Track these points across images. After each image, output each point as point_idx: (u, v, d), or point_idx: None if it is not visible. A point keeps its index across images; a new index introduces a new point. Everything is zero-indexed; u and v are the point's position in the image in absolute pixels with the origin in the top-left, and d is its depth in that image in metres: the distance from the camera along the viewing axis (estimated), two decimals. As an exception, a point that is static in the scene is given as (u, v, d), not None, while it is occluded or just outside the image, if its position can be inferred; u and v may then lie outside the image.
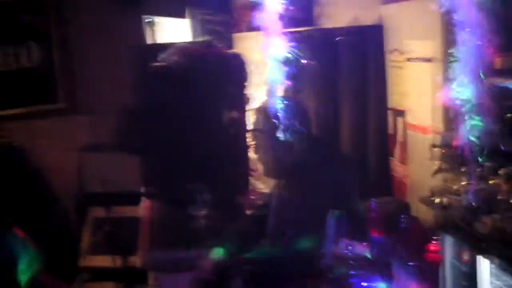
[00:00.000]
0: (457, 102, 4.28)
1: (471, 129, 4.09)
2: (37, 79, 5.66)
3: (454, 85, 4.24)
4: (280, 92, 3.05)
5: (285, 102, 2.92)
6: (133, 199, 4.58)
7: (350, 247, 2.20)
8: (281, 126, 2.76)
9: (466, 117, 3.96)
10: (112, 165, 5.11)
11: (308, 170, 2.79)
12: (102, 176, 5.01)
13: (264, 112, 2.98)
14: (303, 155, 2.87)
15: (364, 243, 2.35)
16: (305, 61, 3.36)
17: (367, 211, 2.56)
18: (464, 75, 3.76)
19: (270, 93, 3.09)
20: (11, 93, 5.64)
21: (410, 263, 2.23)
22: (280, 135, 2.77)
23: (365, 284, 2.10)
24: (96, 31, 5.59)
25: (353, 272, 2.10)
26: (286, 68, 3.10)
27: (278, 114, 2.84)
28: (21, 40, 5.67)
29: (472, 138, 4.14)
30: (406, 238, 2.28)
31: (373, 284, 2.15)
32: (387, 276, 2.22)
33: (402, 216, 2.36)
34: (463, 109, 3.84)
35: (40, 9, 5.67)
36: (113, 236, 4.42)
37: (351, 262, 2.12)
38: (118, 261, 4.21)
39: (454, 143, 4.19)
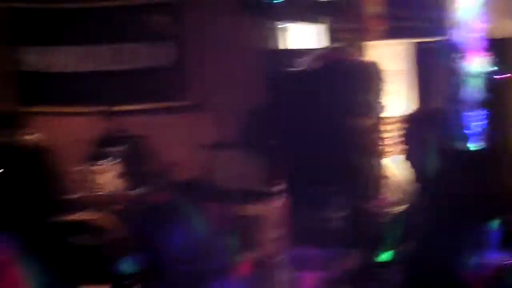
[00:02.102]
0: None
1: None
2: (167, 77, 5.97)
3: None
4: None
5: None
6: (256, 198, 4.72)
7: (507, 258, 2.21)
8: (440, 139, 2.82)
9: None
10: (239, 163, 5.29)
11: (458, 180, 2.81)
12: (229, 174, 5.19)
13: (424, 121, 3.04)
14: (454, 164, 2.91)
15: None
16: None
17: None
18: None
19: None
20: (143, 89, 5.99)
21: None
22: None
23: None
24: (226, 34, 5.83)
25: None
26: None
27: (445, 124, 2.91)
28: (153, 39, 6.01)
29: None
30: None
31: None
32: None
33: None
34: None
35: (173, 11, 5.99)
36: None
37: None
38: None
39: None
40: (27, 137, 4.46)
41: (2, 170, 4.37)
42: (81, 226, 5.02)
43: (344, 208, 3.50)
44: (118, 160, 5.37)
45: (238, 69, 5.80)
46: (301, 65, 4.23)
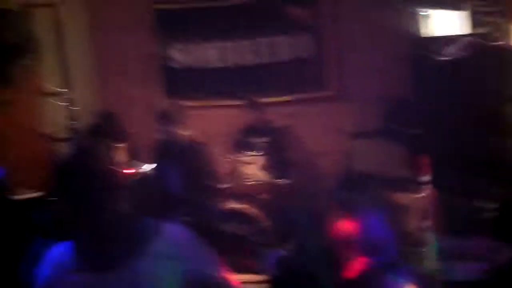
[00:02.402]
0: None
1: None
2: (307, 68, 6.10)
3: None
4: None
5: None
6: (402, 186, 4.73)
7: None
8: None
9: None
10: (379, 151, 5.34)
11: None
12: (369, 161, 5.24)
13: None
14: None
15: None
16: None
17: None
18: None
19: None
20: (284, 80, 6.18)
21: None
22: None
23: None
24: (364, 23, 5.86)
25: None
26: None
27: None
28: (292, 32, 6.15)
29: None
30: None
31: None
32: None
33: None
34: None
35: (310, 3, 6.09)
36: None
37: None
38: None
39: None
40: (181, 132, 4.70)
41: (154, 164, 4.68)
42: (231, 215, 5.28)
43: (496, 198, 3.45)
44: (263, 151, 5.58)
45: (378, 58, 5.82)
46: (445, 52, 4.18)
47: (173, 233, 1.99)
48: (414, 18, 5.30)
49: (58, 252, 1.99)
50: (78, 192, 1.91)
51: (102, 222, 1.92)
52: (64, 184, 1.95)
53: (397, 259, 1.86)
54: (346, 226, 1.81)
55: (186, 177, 4.36)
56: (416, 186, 4.49)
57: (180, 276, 1.91)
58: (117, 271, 1.88)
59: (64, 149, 5.37)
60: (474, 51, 4.14)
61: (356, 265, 1.75)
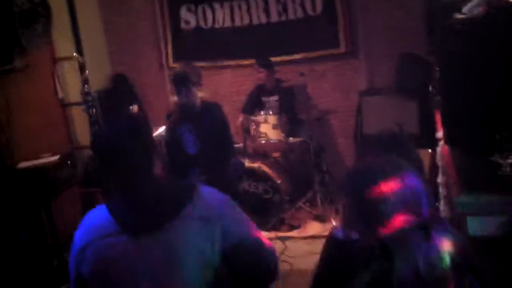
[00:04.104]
0: None
1: None
2: (320, 26, 6.09)
3: None
4: None
5: None
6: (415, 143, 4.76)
7: None
8: None
9: None
10: (391, 109, 5.38)
11: None
12: (380, 119, 5.29)
13: None
14: None
15: None
16: None
17: None
18: None
19: None
20: (295, 39, 6.17)
21: None
22: None
23: None
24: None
25: None
26: None
27: None
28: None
29: None
30: None
31: None
32: None
33: None
34: None
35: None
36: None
37: None
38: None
39: None
40: (196, 92, 4.64)
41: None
42: (245, 173, 5.34)
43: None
44: (275, 109, 5.62)
45: (392, 14, 5.79)
46: (473, 12, 4.11)
47: (208, 196, 2.01)
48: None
49: (94, 216, 2.03)
50: (117, 161, 1.94)
51: (138, 186, 1.95)
52: (103, 154, 1.99)
53: (432, 215, 1.89)
54: (387, 184, 1.81)
55: (202, 137, 4.39)
56: (430, 142, 4.54)
57: (216, 237, 1.93)
58: (153, 234, 1.91)
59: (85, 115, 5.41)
60: (492, 8, 4.09)
61: (396, 223, 1.78)
